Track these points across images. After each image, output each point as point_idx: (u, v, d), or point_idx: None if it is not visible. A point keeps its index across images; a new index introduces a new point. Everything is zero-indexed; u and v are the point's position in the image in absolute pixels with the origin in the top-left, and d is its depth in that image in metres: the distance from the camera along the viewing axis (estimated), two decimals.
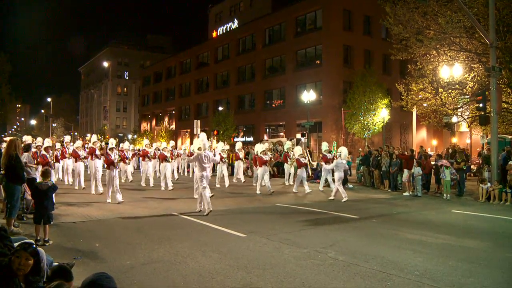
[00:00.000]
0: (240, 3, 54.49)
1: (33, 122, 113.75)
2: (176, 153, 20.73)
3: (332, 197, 15.01)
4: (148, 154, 19.64)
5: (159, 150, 18.82)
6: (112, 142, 15.98)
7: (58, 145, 19.25)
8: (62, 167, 19.40)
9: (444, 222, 10.81)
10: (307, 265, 6.62)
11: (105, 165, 13.52)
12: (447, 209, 13.02)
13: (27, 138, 17.55)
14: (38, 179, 9.36)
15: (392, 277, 6.03)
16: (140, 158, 22.73)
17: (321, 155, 18.98)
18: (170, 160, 18.05)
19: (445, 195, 15.87)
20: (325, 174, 17.96)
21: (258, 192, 16.36)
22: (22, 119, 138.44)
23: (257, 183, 17.05)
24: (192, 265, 6.57)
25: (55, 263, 4.77)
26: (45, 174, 8.09)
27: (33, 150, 14.77)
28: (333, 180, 16.18)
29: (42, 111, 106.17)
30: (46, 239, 7.60)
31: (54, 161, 16.47)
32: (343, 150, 15.71)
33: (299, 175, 16.47)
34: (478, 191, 15.65)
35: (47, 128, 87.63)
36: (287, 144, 20.30)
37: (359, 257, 7.04)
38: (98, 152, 15.87)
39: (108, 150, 13.56)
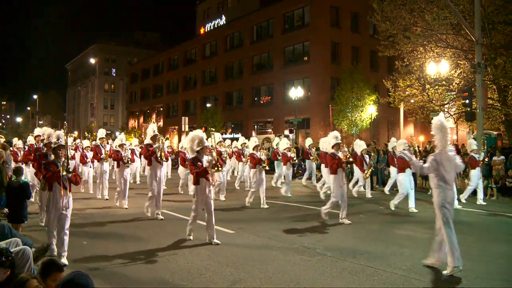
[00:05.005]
0: None
1: (19, 119, 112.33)
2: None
3: None
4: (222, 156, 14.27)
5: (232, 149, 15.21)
6: (102, 132, 14.13)
7: (85, 143, 15.74)
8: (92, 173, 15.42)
9: (430, 217, 10.84)
10: (295, 261, 6.65)
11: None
12: (433, 204, 13.11)
13: (40, 131, 13.27)
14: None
15: (379, 272, 6.08)
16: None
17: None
18: (265, 165, 12.49)
19: (430, 190, 15.96)
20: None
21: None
22: (8, 116, 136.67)
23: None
24: (181, 262, 6.57)
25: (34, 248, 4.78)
26: (17, 172, 7.93)
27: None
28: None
29: (28, 108, 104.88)
30: None
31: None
32: None
33: (287, 173, 15.13)
34: (464, 187, 15.79)
35: (33, 125, 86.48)
36: (275, 140, 18.09)
37: (347, 253, 7.09)
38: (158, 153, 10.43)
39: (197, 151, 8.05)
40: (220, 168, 8.43)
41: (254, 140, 12.90)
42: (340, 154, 10.08)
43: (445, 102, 23.75)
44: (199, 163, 7.82)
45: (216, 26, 51.33)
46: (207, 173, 7.80)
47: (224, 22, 50.07)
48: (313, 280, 5.78)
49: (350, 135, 32.84)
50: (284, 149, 14.95)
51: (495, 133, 22.27)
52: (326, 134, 32.88)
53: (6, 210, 9.24)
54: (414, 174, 12.52)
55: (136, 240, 8.00)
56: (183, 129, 39.52)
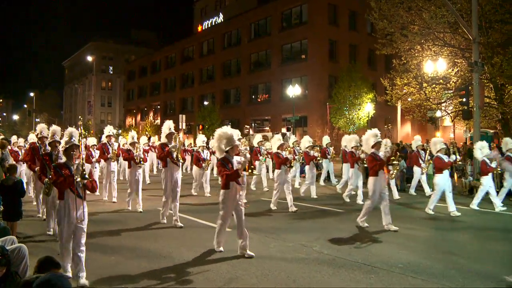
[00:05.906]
0: None
1: (15, 117, 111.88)
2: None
3: None
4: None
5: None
6: (110, 129, 13.00)
7: (91, 141, 14.41)
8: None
9: (427, 216, 10.90)
10: (292, 258, 6.65)
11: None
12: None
13: (42, 127, 10.90)
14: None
15: (376, 269, 6.09)
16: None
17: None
18: (293, 165, 12.00)
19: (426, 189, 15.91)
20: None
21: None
22: (4, 114, 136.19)
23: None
24: (178, 260, 6.55)
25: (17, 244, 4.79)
26: (11, 170, 7.87)
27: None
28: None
29: (25, 106, 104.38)
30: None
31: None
32: None
33: (309, 174, 13.79)
34: (460, 185, 15.80)
35: (30, 123, 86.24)
36: (292, 138, 16.02)
37: (344, 251, 7.09)
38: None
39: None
40: (254, 171, 7.47)
41: (278, 138, 11.84)
42: (381, 154, 9.10)
43: (442, 101, 23.78)
44: (229, 164, 6.91)
45: (213, 24, 51.34)
46: (239, 176, 6.87)
47: (222, 20, 50.07)
48: (310, 277, 5.78)
49: (347, 133, 32.87)
50: (306, 148, 13.68)
51: (491, 131, 22.30)
52: (324, 132, 33.15)
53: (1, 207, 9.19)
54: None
55: (132, 239, 7.98)
56: (180, 127, 39.46)
